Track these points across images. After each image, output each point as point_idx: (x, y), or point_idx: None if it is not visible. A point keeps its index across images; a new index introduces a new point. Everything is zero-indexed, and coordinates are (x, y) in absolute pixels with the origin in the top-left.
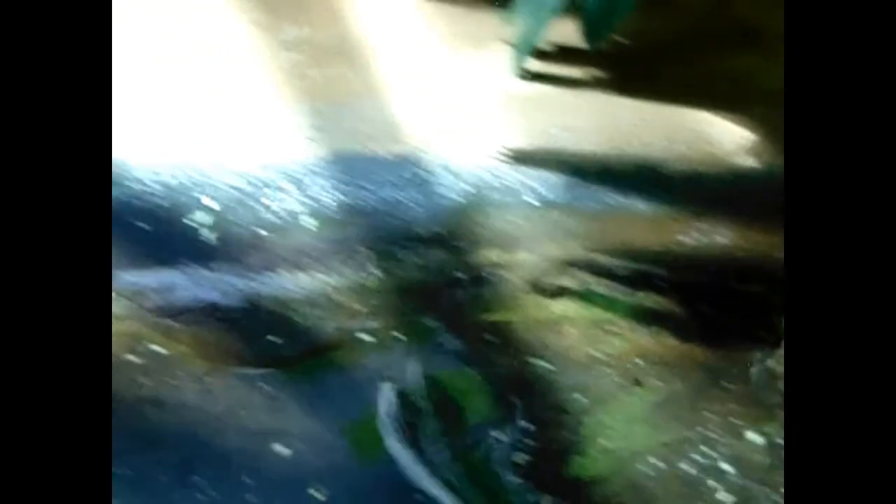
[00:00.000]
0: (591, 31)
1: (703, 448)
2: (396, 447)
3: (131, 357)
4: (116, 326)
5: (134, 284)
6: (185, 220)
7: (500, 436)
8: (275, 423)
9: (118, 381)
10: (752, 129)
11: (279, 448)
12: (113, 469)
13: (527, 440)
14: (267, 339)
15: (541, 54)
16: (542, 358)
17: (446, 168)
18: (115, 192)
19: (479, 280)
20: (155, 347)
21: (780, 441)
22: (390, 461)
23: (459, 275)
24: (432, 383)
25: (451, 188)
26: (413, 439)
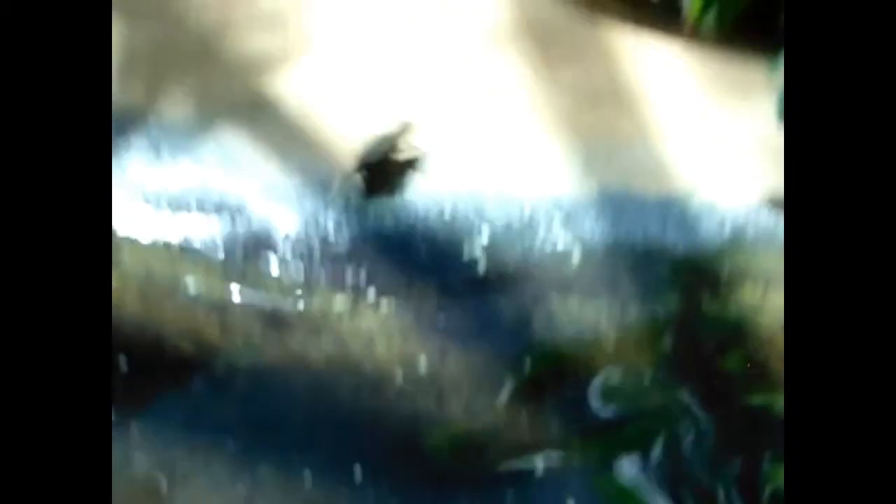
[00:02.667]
0: None
1: None
2: None
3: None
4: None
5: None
6: (461, 246)
7: None
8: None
9: (387, 397)
10: None
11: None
12: None
13: None
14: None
15: None
16: None
17: (710, 210)
18: (388, 221)
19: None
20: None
21: None
22: None
23: (718, 312)
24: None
25: (714, 229)
26: None
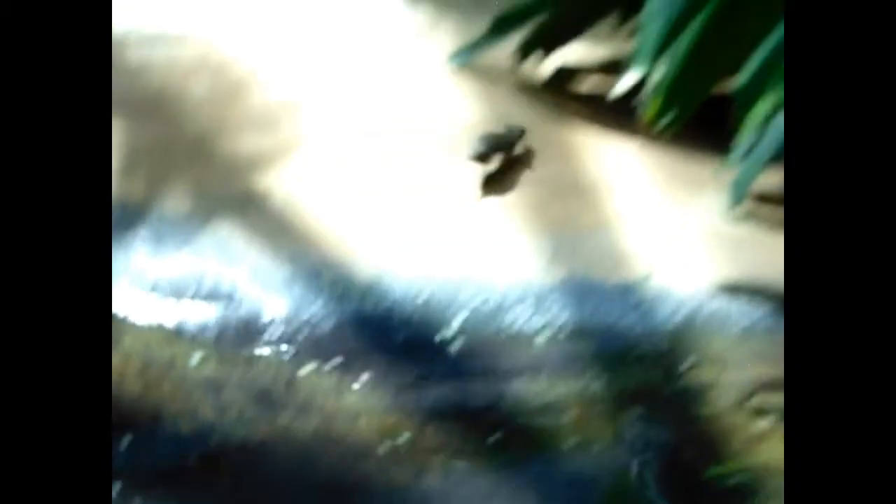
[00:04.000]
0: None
1: None
2: None
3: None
4: (374, 420)
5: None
6: (437, 328)
7: None
8: None
9: (368, 468)
10: None
11: None
12: None
13: None
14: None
15: (752, 199)
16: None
17: (665, 295)
18: (369, 305)
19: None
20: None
21: None
22: None
23: (673, 389)
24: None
25: (670, 313)
26: None
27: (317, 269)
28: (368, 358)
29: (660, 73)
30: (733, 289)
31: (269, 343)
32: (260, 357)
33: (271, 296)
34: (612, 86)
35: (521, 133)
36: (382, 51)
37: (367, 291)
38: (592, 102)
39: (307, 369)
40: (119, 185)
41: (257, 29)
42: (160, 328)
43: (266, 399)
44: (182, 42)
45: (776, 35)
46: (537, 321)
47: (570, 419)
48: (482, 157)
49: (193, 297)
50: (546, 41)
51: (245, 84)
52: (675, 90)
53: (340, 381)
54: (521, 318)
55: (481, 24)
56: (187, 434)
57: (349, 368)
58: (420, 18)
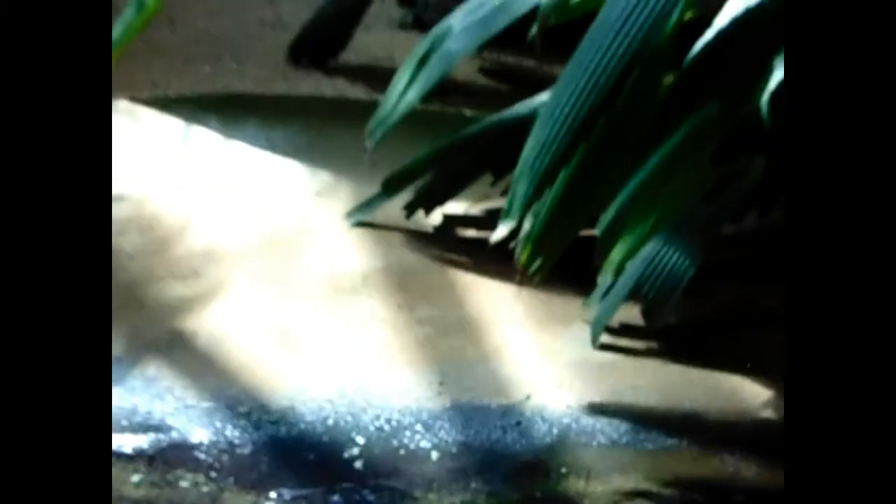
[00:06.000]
0: (649, 315)
1: None
2: None
3: None
4: None
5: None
6: (343, 447)
7: None
8: None
9: None
10: (780, 391)
11: None
12: None
13: None
14: None
15: (612, 331)
16: None
17: (541, 416)
18: (283, 430)
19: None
20: None
21: None
22: None
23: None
24: None
25: (545, 432)
26: None
27: (236, 401)
28: (284, 476)
29: (528, 224)
30: (599, 408)
31: (195, 467)
32: (187, 479)
33: (196, 426)
34: (491, 234)
35: None
36: (289, 210)
37: (281, 418)
38: (475, 249)
39: (229, 489)
40: None
41: (184, 187)
42: None
43: None
44: (119, 200)
45: (629, 188)
46: (430, 440)
47: None
48: None
49: (126, 428)
50: (429, 199)
51: (172, 237)
52: (540, 241)
53: (258, 498)
54: (416, 438)
55: (373, 187)
56: None
57: (266, 486)
58: (319, 182)
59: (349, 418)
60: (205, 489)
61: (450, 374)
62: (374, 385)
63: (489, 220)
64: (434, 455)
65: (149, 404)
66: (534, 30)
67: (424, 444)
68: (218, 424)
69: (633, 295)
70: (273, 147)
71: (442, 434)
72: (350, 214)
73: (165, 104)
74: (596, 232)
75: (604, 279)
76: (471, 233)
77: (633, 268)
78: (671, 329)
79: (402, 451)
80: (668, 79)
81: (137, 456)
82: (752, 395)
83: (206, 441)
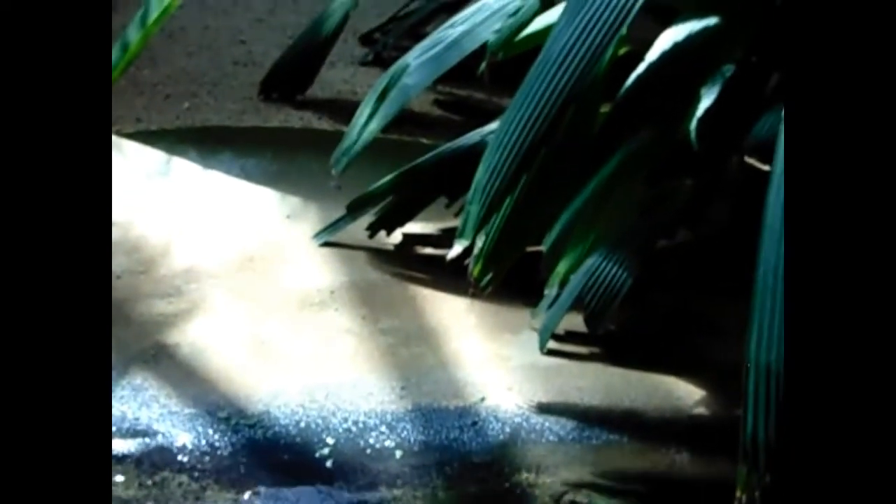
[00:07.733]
0: (591, 322)
1: None
2: None
3: None
4: None
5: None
6: (314, 447)
7: None
8: None
9: None
10: (711, 390)
11: None
12: None
13: None
14: None
15: (558, 337)
16: None
17: (494, 416)
18: (259, 433)
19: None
20: None
21: None
22: None
23: (502, 490)
24: None
25: (498, 430)
26: None
27: (216, 407)
28: (261, 475)
29: (481, 242)
30: (547, 408)
31: (179, 468)
32: (173, 479)
33: (180, 430)
34: (447, 252)
35: None
36: (262, 232)
37: (258, 422)
38: (432, 265)
39: (211, 488)
40: None
41: (166, 213)
42: None
43: None
44: None
45: (572, 208)
46: (393, 440)
47: None
48: None
49: (116, 433)
50: (390, 220)
51: (155, 258)
52: (491, 257)
53: (237, 495)
54: (381, 438)
55: (339, 210)
56: None
57: (245, 484)
58: (289, 206)
59: (320, 421)
60: (189, 488)
61: (411, 379)
62: (342, 390)
63: (445, 238)
64: (398, 453)
65: (136, 411)
66: (483, 65)
67: (389, 443)
68: (200, 429)
69: (577, 304)
70: (247, 175)
71: (405, 434)
72: (318, 235)
73: (148, 137)
74: (542, 248)
75: (550, 290)
76: (428, 250)
77: (577, 280)
78: (612, 335)
79: (368, 451)
80: (605, 109)
81: (126, 458)
82: (687, 394)
83: (189, 444)
